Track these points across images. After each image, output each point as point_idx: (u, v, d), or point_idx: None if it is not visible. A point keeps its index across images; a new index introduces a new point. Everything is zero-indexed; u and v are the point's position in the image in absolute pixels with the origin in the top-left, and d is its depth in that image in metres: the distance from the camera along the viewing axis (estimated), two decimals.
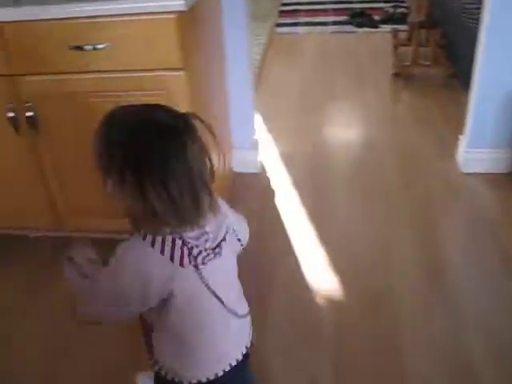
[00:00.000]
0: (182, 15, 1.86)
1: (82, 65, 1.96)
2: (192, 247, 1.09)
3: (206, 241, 1.12)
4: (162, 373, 1.23)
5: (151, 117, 1.08)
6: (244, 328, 1.29)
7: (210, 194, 1.09)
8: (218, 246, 1.14)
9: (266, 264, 2.31)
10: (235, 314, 1.22)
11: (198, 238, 1.10)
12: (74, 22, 1.91)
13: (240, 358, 1.25)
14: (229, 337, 1.23)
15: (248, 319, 1.31)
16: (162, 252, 1.07)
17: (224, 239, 1.15)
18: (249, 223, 1.33)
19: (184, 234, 1.09)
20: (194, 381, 1.20)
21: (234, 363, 1.23)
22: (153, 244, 1.07)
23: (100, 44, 1.91)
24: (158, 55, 1.92)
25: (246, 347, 1.29)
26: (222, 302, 1.16)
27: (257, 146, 2.98)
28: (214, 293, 1.14)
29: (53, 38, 1.94)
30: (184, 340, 1.19)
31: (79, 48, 1.92)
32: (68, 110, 2.08)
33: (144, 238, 1.08)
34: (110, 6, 1.86)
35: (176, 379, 1.21)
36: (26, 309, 2.17)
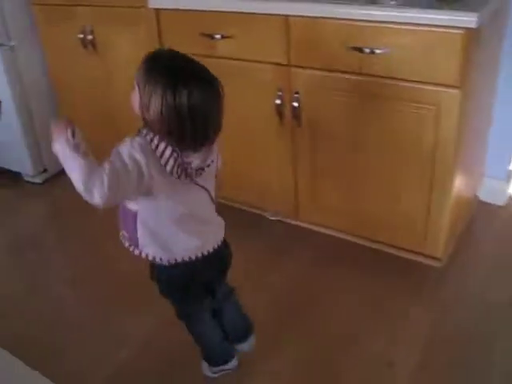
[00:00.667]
0: (470, 32, 1.76)
1: (357, 66, 1.99)
2: (183, 163, 1.40)
3: (195, 163, 1.43)
4: (150, 257, 1.56)
5: (203, 68, 1.41)
6: (213, 231, 1.63)
7: (214, 140, 1.45)
8: (201, 169, 1.46)
9: None
10: (203, 219, 1.58)
11: (188, 157, 1.41)
12: (358, 24, 1.92)
13: (213, 248, 1.60)
14: (199, 233, 1.56)
15: (217, 226, 1.65)
16: (161, 156, 1.37)
17: (208, 166, 1.48)
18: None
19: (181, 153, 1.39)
20: (172, 262, 1.56)
21: (208, 251, 1.59)
22: (156, 147, 1.37)
23: (379, 49, 1.91)
24: (435, 69, 1.84)
25: (217, 245, 1.62)
26: (195, 209, 1.53)
27: (510, 177, 2.76)
28: (186, 201, 1.51)
29: (335, 36, 1.98)
30: (161, 231, 1.52)
31: (358, 49, 1.94)
32: (331, 108, 2.13)
33: (150, 140, 1.38)
34: (399, 14, 1.83)
35: (163, 259, 1.56)
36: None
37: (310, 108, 2.17)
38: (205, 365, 1.89)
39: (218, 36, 2.25)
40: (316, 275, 2.33)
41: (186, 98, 1.31)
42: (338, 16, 1.96)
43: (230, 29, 2.21)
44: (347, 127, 2.14)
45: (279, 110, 2.23)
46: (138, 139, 1.39)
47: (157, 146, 1.37)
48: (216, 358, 1.87)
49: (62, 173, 3.13)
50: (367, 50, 1.93)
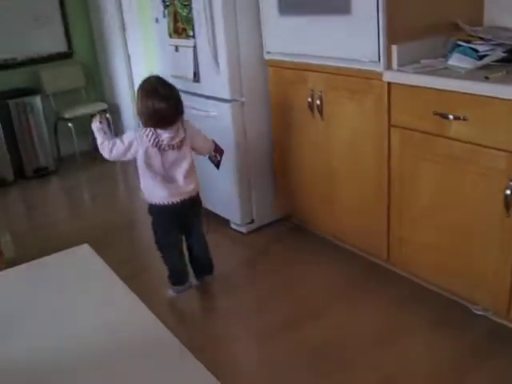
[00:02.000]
0: None
1: None
2: (159, 138, 2.48)
3: (165, 139, 2.49)
4: (145, 197, 2.63)
5: (169, 91, 2.49)
6: (177, 188, 2.57)
7: (169, 126, 2.49)
8: (173, 144, 2.51)
9: None
10: (172, 180, 2.56)
11: (161, 135, 2.48)
12: None
13: (177, 201, 2.57)
14: (166, 188, 2.55)
15: (183, 186, 2.58)
16: (147, 136, 2.48)
17: (181, 141, 2.54)
18: None
19: (157, 131, 2.48)
20: (153, 202, 2.60)
21: (174, 202, 2.57)
22: (145, 131, 2.48)
23: None
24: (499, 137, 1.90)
25: (183, 199, 2.58)
26: (165, 172, 2.54)
27: None
28: (163, 165, 2.52)
29: None
30: (146, 183, 2.58)
31: None
32: None
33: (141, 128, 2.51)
34: None
35: (148, 199, 2.61)
36: None
37: None
38: (168, 289, 2.77)
39: (451, 116, 2.16)
40: None
41: (152, 106, 2.43)
42: None
43: (465, 110, 2.12)
44: None
45: (507, 200, 2.06)
46: (136, 130, 2.59)
47: (144, 130, 2.49)
48: (174, 280, 2.76)
49: (266, 226, 3.32)
50: None
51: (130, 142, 2.51)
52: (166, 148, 2.50)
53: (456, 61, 2.34)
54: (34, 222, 3.98)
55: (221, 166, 3.24)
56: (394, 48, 2.37)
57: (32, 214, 4.17)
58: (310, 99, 2.81)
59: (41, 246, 3.49)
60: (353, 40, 2.49)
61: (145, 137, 2.48)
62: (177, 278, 2.76)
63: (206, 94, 3.22)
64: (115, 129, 5.16)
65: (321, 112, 2.78)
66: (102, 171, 4.84)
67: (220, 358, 2.31)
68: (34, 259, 3.20)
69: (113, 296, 1.05)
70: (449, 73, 2.25)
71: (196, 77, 3.25)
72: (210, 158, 3.26)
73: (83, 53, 5.36)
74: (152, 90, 2.45)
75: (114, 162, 5.02)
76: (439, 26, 2.51)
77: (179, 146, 2.54)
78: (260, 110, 3.19)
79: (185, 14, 3.17)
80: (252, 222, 3.35)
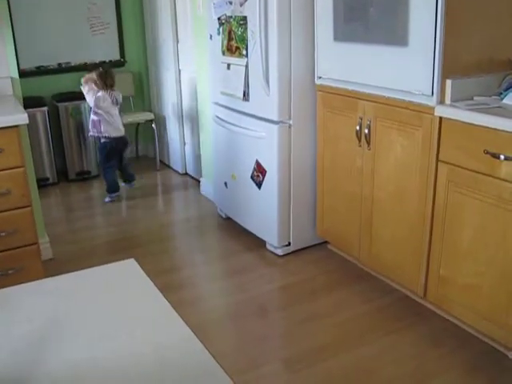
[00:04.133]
0: None
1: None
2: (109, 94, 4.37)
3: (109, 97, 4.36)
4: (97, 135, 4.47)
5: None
6: (115, 127, 4.38)
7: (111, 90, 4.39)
8: (114, 100, 4.38)
9: None
10: (111, 121, 4.35)
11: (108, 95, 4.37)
12: None
13: (113, 135, 4.39)
14: (108, 125, 4.36)
15: (118, 126, 4.40)
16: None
17: (115, 99, 4.38)
18: None
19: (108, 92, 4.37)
20: (101, 135, 4.42)
21: (114, 136, 4.39)
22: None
23: None
24: None
25: (117, 135, 4.41)
26: (111, 117, 4.37)
27: None
28: (106, 112, 4.34)
29: None
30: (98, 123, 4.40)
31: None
32: None
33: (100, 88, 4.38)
34: None
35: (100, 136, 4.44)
36: None
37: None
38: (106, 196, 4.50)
39: (502, 156, 2.12)
40: None
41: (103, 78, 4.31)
42: None
43: None
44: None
45: None
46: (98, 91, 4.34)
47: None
48: (111, 189, 4.46)
49: (302, 250, 3.31)
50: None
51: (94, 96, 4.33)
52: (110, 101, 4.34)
53: (511, 100, 2.30)
54: (73, 224, 4.04)
55: (262, 187, 3.25)
56: (449, 83, 2.34)
57: (71, 217, 4.24)
58: (358, 127, 2.80)
59: (78, 249, 3.55)
60: (407, 72, 2.47)
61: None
62: (112, 188, 4.46)
63: (255, 113, 3.23)
64: (160, 139, 5.23)
65: (368, 141, 2.76)
66: (143, 179, 4.90)
67: (249, 381, 2.30)
68: (70, 262, 3.25)
69: (156, 316, 1.05)
70: (503, 112, 2.21)
71: (246, 96, 3.27)
72: (252, 177, 3.28)
73: (135, 63, 5.46)
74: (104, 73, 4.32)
75: (158, 174, 5.11)
76: (495, 62, 2.48)
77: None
78: (307, 133, 3.19)
79: (239, 32, 3.21)
80: (289, 244, 3.33)
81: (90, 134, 4.43)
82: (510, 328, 2.26)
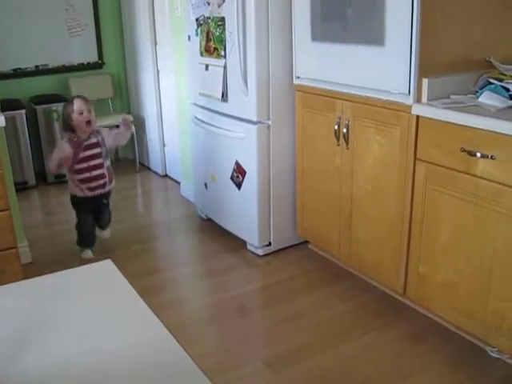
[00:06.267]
0: None
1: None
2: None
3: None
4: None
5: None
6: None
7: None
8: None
9: None
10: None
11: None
12: None
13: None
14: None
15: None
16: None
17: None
18: None
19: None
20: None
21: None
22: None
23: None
24: None
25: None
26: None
27: None
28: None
29: None
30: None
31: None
32: None
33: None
34: None
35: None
36: None
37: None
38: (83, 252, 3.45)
39: (478, 154, 2.15)
40: None
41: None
42: None
43: (493, 149, 2.10)
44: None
45: None
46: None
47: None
48: (85, 243, 3.45)
49: (283, 250, 3.31)
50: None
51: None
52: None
53: (486, 98, 2.33)
54: (52, 228, 4.01)
55: (242, 187, 3.25)
56: (425, 82, 2.37)
57: (50, 220, 4.20)
58: (336, 127, 2.81)
59: (57, 253, 3.52)
60: (384, 71, 2.49)
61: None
62: (86, 241, 3.46)
63: (233, 114, 3.24)
64: (139, 141, 5.20)
65: (347, 140, 2.77)
66: (122, 183, 4.87)
67: (229, 381, 2.29)
68: (49, 266, 3.22)
69: (133, 317, 1.05)
70: (479, 110, 2.23)
71: (224, 96, 3.27)
72: (232, 178, 3.28)
73: (113, 64, 5.43)
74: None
75: (138, 176, 5.08)
76: (471, 62, 2.51)
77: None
78: (286, 134, 3.19)
79: (218, 33, 3.20)
80: (269, 244, 3.34)
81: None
82: (488, 324, 2.29)
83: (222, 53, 3.20)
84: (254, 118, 3.08)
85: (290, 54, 3.05)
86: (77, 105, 3.21)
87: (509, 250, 2.13)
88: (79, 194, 3.32)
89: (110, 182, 3.41)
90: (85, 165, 3.25)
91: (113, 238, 3.69)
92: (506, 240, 2.13)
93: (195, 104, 3.67)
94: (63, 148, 3.23)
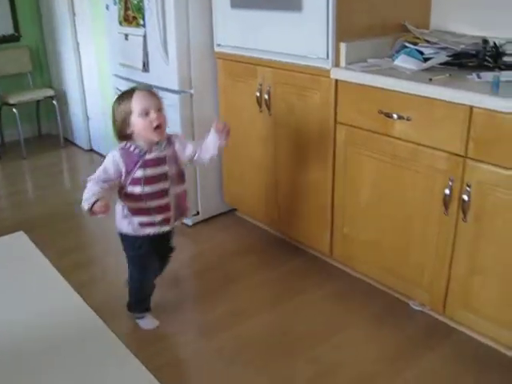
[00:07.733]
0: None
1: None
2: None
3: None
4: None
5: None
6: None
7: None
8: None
9: None
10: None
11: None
12: None
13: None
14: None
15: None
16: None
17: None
18: None
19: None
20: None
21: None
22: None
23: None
24: (441, 138, 2.04)
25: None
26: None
27: None
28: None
29: None
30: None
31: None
32: (507, 209, 2.00)
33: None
34: None
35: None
36: None
37: (480, 204, 2.04)
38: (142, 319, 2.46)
39: (395, 116, 2.21)
40: (457, 375, 2.15)
41: None
42: None
43: (409, 111, 2.17)
44: None
45: (446, 200, 2.13)
46: None
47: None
48: (145, 304, 2.45)
49: (212, 219, 3.32)
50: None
51: None
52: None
53: (402, 62, 2.39)
54: None
55: None
56: (343, 46, 2.40)
57: None
58: (258, 94, 2.82)
59: None
60: (302, 36, 2.51)
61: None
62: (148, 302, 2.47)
63: (155, 84, 3.18)
64: (62, 116, 5.04)
65: (269, 107, 2.79)
66: (46, 159, 4.74)
67: (160, 351, 2.30)
68: None
69: (46, 286, 1.04)
70: (394, 73, 2.29)
71: (145, 66, 3.21)
72: None
73: (31, 37, 5.20)
74: None
75: (63, 152, 4.94)
76: (387, 26, 2.56)
77: None
78: (209, 102, 3.18)
79: (136, 2, 3.13)
80: (197, 213, 3.34)
81: None
82: (410, 279, 2.39)
83: (141, 22, 3.13)
84: (176, 87, 3.04)
85: (210, 21, 3.02)
86: (139, 102, 2.10)
87: (426, 207, 2.22)
88: (138, 232, 2.24)
89: (180, 215, 2.34)
90: (139, 188, 2.15)
91: (38, 216, 3.60)
92: (423, 198, 2.22)
93: (117, 75, 3.58)
94: (106, 168, 2.20)
